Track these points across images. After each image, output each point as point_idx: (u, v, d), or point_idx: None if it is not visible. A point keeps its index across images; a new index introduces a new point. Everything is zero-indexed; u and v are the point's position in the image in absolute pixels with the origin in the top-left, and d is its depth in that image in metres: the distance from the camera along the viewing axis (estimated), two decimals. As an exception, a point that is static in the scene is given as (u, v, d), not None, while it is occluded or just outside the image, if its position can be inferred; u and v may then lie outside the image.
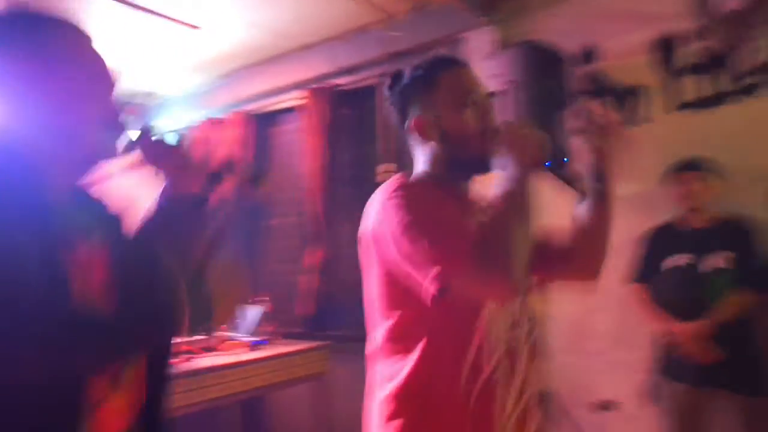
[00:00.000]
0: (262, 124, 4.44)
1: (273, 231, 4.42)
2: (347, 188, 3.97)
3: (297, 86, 4.08)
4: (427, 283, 0.99)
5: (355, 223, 4.25)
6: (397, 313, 1.12)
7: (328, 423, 3.34)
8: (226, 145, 4.37)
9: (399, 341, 1.12)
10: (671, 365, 2.43)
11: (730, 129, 2.60)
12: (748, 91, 2.58)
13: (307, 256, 3.90)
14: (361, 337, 4.21)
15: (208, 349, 3.03)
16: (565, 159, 2.85)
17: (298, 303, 3.90)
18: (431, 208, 1.07)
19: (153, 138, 1.00)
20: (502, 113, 2.68)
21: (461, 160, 1.19)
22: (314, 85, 3.95)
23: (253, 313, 3.50)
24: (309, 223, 3.95)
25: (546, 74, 2.76)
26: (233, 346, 3.17)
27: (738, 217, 2.43)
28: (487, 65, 2.83)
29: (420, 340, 1.09)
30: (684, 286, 2.38)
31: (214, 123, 4.52)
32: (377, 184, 4.02)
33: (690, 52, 2.71)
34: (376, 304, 1.16)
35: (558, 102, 2.84)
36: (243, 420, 4.02)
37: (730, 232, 2.39)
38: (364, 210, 1.19)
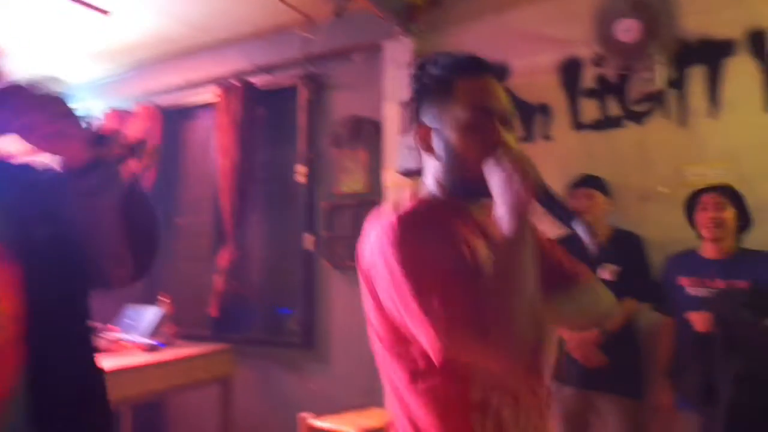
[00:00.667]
0: (174, 119, 4.29)
1: (182, 229, 4.28)
2: (261, 188, 3.91)
3: (211, 82, 3.98)
4: (427, 346, 0.90)
5: (268, 225, 4.23)
6: (400, 350, 1.00)
7: (232, 426, 3.27)
8: (132, 138, 4.18)
9: (406, 379, 1.00)
10: (561, 370, 2.57)
11: (622, 151, 2.81)
12: (639, 117, 2.79)
13: (218, 256, 3.80)
14: (267, 341, 4.19)
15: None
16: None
17: (206, 303, 3.80)
18: (431, 257, 0.92)
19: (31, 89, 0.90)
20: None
21: (465, 184, 1.03)
22: (228, 82, 3.86)
23: (150, 314, 3.37)
24: (220, 223, 3.86)
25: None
26: (127, 348, 3.03)
27: (628, 233, 2.62)
28: (403, 75, 2.91)
29: (425, 379, 0.97)
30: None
31: (120, 114, 4.31)
32: (293, 185, 4.00)
33: (590, 76, 2.90)
34: (376, 333, 1.04)
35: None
36: (135, 425, 3.86)
37: (621, 246, 2.57)
38: (363, 230, 1.05)
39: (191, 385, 3.16)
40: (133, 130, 4.18)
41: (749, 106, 2.60)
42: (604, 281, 2.46)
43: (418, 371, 0.97)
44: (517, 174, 0.92)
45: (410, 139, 2.70)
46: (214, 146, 3.96)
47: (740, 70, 2.62)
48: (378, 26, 3.29)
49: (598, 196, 2.61)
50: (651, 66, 2.71)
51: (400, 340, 0.98)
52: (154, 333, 3.27)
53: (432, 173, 1.07)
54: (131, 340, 3.16)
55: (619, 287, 2.46)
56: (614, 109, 2.85)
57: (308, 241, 3.60)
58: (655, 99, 2.76)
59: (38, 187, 0.99)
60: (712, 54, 2.67)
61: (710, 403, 2.13)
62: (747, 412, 2.04)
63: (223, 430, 3.25)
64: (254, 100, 3.84)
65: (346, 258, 3.47)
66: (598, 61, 2.83)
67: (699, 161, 2.66)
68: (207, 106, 4.09)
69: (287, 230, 3.78)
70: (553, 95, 2.98)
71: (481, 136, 1.00)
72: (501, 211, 0.93)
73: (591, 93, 2.90)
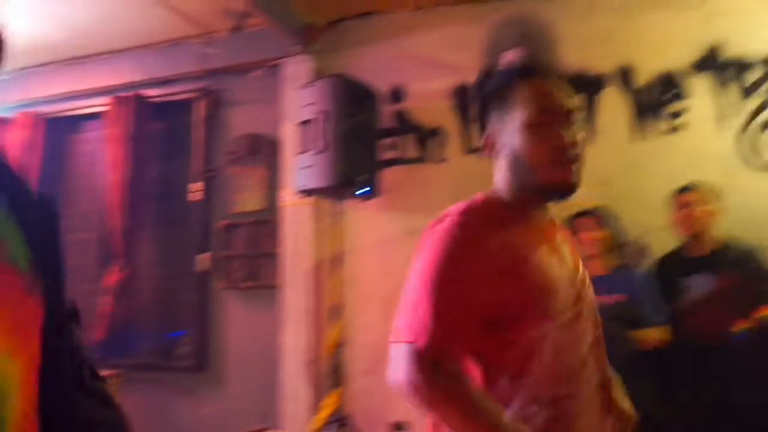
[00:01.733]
0: (60, 129, 4.04)
1: (65, 247, 4.00)
2: (154, 205, 3.76)
3: (101, 92, 3.78)
4: (397, 334, 0.98)
5: (160, 243, 4.03)
6: None
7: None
8: (10, 149, 3.89)
9: None
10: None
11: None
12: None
13: (106, 275, 3.59)
14: (158, 365, 3.98)
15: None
16: (370, 187, 2.99)
17: (92, 327, 3.57)
18: (466, 270, 0.98)
19: None
20: (314, 141, 2.77)
21: (530, 185, 1.07)
22: (120, 93, 3.70)
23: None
24: (108, 241, 3.65)
25: (357, 108, 2.93)
26: None
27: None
28: (302, 94, 2.92)
29: None
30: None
31: (-4, 123, 4.00)
32: (188, 203, 3.86)
33: (481, 102, 3.06)
34: None
35: (368, 133, 3.03)
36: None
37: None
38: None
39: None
40: (10, 140, 3.89)
41: (618, 134, 2.85)
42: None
43: None
44: None
45: (306, 158, 2.72)
46: (103, 159, 3.76)
47: (611, 102, 2.87)
48: (277, 44, 3.29)
49: None
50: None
51: None
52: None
53: (497, 178, 1.12)
54: None
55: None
56: (502, 134, 3.02)
57: (203, 260, 3.50)
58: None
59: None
60: (587, 86, 2.91)
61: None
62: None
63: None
64: (148, 112, 3.70)
65: (242, 278, 3.40)
66: (487, 88, 2.99)
67: (577, 185, 2.87)
68: (96, 117, 3.88)
69: (181, 249, 3.65)
70: (447, 119, 3.11)
71: (542, 136, 1.05)
72: None
73: (481, 118, 3.06)
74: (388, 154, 3.17)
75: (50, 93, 3.94)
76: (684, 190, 2.48)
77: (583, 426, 1.01)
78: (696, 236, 2.44)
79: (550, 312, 1.00)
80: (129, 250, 3.59)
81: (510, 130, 1.08)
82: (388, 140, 3.18)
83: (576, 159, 1.05)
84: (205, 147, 3.60)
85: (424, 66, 3.18)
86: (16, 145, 3.90)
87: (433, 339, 0.92)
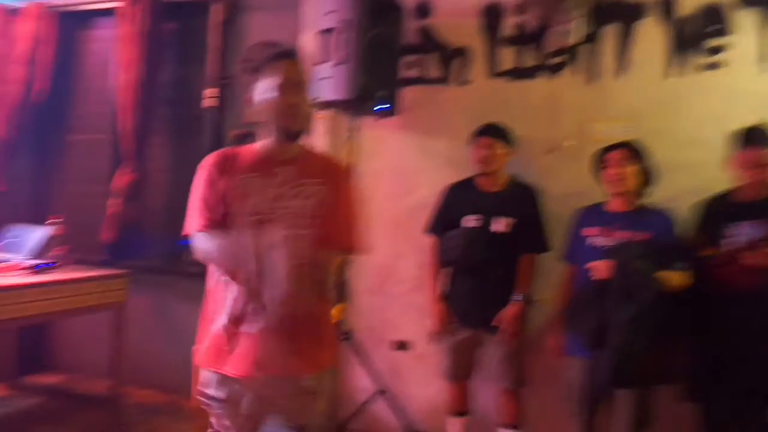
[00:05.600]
0: (72, 24, 3.92)
1: (76, 147, 3.98)
2: (166, 110, 3.69)
3: (115, -13, 3.63)
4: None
5: (171, 148, 3.97)
6: None
7: (125, 355, 3.17)
8: (21, 42, 3.78)
9: None
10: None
11: (533, 102, 2.86)
12: (552, 70, 2.84)
13: (116, 178, 3.57)
14: (165, 269, 4.00)
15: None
16: (390, 105, 2.89)
17: (102, 228, 3.60)
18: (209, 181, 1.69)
19: None
20: (335, 51, 2.64)
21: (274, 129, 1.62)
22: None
23: (38, 234, 3.15)
24: (120, 143, 3.61)
25: (381, 20, 2.78)
26: (10, 268, 2.84)
27: (524, 184, 2.68)
28: (324, 1, 2.78)
29: None
30: (470, 245, 2.56)
31: (5, 13, 3.86)
32: (201, 109, 3.77)
33: (511, 24, 2.91)
34: None
35: (391, 48, 2.89)
36: (20, 349, 3.68)
37: (517, 198, 2.63)
38: None
39: (80, 311, 3.02)
40: (20, 32, 3.77)
41: (653, 68, 2.70)
42: (499, 232, 2.56)
43: None
44: None
45: (325, 69, 2.62)
46: (115, 59, 3.65)
47: (649, 33, 2.71)
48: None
49: (498, 146, 2.61)
50: (568, 20, 2.75)
51: None
52: (42, 254, 3.07)
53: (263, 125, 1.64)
54: (16, 260, 2.96)
55: (513, 238, 2.57)
56: (529, 59, 2.89)
57: (214, 168, 3.46)
58: (569, 53, 2.81)
59: None
60: (625, 14, 2.73)
61: (599, 346, 2.23)
62: (631, 355, 2.17)
63: (114, 357, 3.15)
64: (163, 12, 3.56)
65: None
66: (519, 10, 2.82)
67: (604, 118, 2.76)
68: (109, 14, 3.74)
69: (192, 155, 3.56)
70: (474, 39, 2.97)
71: (278, 98, 1.57)
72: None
73: (509, 41, 2.91)
74: (410, 72, 3.05)
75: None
76: (754, 143, 2.26)
77: (272, 286, 1.51)
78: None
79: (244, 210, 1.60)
80: (140, 154, 3.56)
81: (261, 93, 1.60)
82: (410, 57, 3.05)
83: (297, 113, 1.58)
84: (221, 53, 3.48)
85: (453, -20, 3.00)
86: (27, 38, 3.79)
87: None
